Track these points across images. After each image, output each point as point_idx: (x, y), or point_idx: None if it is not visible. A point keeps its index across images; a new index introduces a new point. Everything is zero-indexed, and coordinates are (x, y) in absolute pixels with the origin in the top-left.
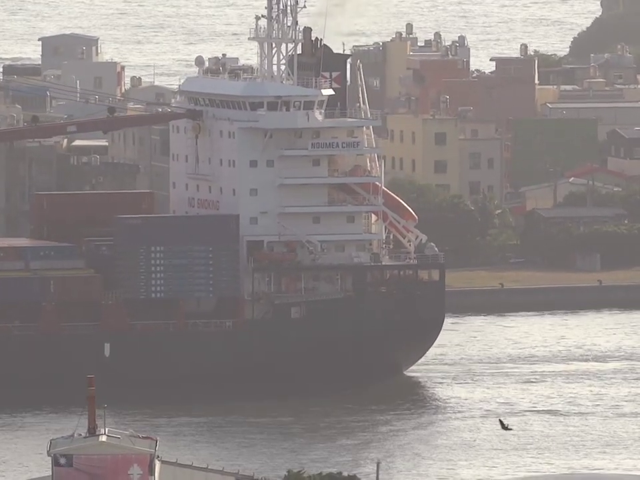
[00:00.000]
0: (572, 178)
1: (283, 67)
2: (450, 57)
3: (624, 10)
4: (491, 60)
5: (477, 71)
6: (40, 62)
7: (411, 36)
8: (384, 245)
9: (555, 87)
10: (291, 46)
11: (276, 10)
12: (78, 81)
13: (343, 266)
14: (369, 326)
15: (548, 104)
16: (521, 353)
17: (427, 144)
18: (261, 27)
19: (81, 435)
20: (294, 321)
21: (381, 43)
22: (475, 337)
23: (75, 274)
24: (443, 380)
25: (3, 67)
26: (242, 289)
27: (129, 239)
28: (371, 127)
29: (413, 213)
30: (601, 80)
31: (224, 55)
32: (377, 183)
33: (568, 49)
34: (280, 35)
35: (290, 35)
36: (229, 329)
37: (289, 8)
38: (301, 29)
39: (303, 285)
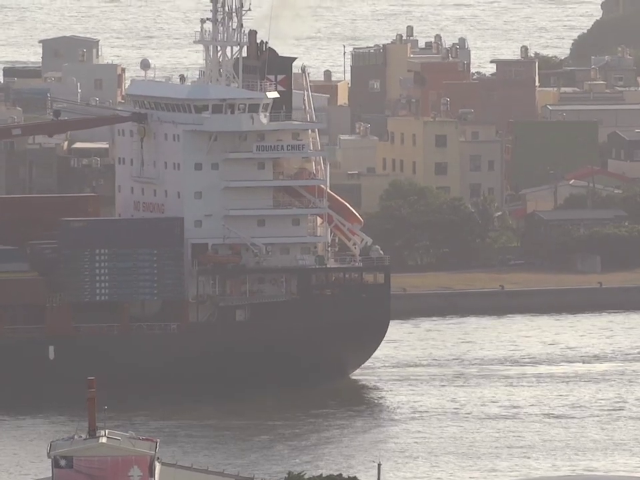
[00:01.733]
0: (572, 180)
1: (228, 70)
2: (450, 59)
3: (624, 12)
4: (491, 62)
5: (478, 73)
6: (40, 64)
7: (411, 38)
8: (329, 248)
9: (556, 89)
10: (236, 49)
11: (221, 13)
12: (79, 83)
13: (288, 268)
14: (314, 328)
15: (548, 106)
16: (510, 354)
17: (427, 146)
18: (206, 30)
19: (81, 436)
20: (239, 324)
21: (381, 45)
22: (462, 339)
23: (19, 277)
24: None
25: (4, 69)
26: (186, 292)
27: (74, 241)
28: (316, 129)
29: (359, 216)
30: (602, 82)
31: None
32: (322, 186)
33: (568, 51)
34: (225, 37)
35: (235, 37)
36: (174, 331)
37: (234, 11)
38: (246, 31)
39: (248, 287)
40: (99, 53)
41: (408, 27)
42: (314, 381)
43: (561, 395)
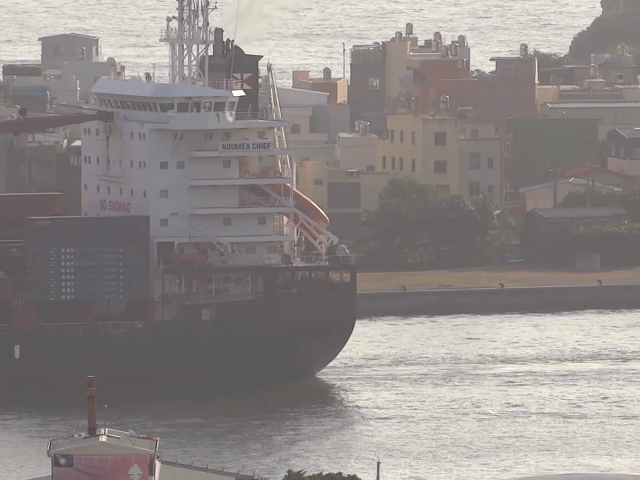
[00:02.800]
0: (572, 178)
1: (194, 69)
2: (450, 56)
3: (624, 10)
4: (491, 60)
5: (477, 70)
6: (40, 62)
7: (410, 36)
8: (295, 247)
9: (555, 86)
10: (202, 47)
11: (187, 11)
12: (78, 81)
13: (254, 267)
14: (280, 327)
15: (548, 104)
16: (509, 353)
17: (426, 144)
18: (172, 29)
19: (81, 435)
20: (204, 323)
21: (380, 43)
22: (462, 337)
23: None
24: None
25: (3, 67)
26: (152, 291)
27: (39, 240)
28: (282, 128)
29: (325, 215)
30: (601, 80)
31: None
32: (288, 185)
33: (568, 49)
34: (191, 36)
35: (201, 36)
36: (139, 330)
37: (199, 9)
38: (212, 30)
39: (214, 286)
40: (99, 51)
41: (407, 24)
42: (279, 380)
43: (560, 394)
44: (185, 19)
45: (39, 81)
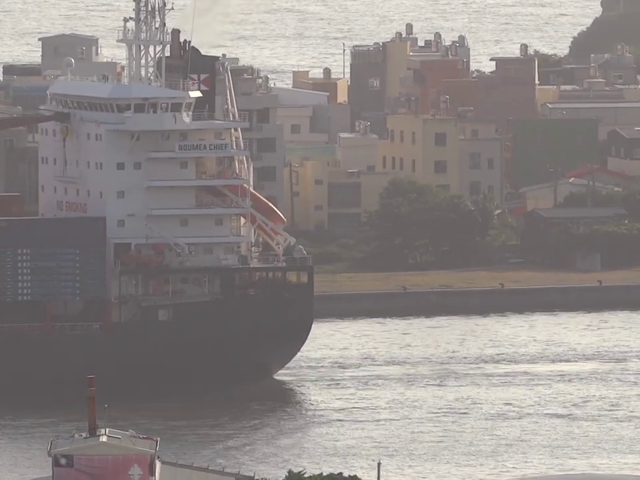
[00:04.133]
0: (572, 178)
1: (150, 69)
2: (450, 57)
3: (624, 10)
4: (491, 60)
5: (477, 71)
6: (40, 62)
7: (410, 36)
8: (252, 248)
9: (555, 87)
10: (158, 48)
11: (144, 12)
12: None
13: (211, 268)
14: (237, 328)
15: (548, 104)
16: (509, 353)
17: (427, 144)
18: (129, 29)
19: (81, 435)
20: (161, 324)
21: (381, 44)
22: (464, 337)
23: None
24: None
25: (3, 67)
26: (109, 292)
27: None
28: (239, 128)
29: (282, 216)
30: (601, 80)
31: (223, 54)
32: (245, 185)
33: (568, 49)
34: (148, 37)
35: (158, 37)
36: (96, 331)
37: (156, 10)
38: (169, 31)
39: (171, 287)
40: (98, 51)
41: (407, 24)
42: (237, 381)
43: (560, 394)
44: (141, 19)
45: (39, 81)
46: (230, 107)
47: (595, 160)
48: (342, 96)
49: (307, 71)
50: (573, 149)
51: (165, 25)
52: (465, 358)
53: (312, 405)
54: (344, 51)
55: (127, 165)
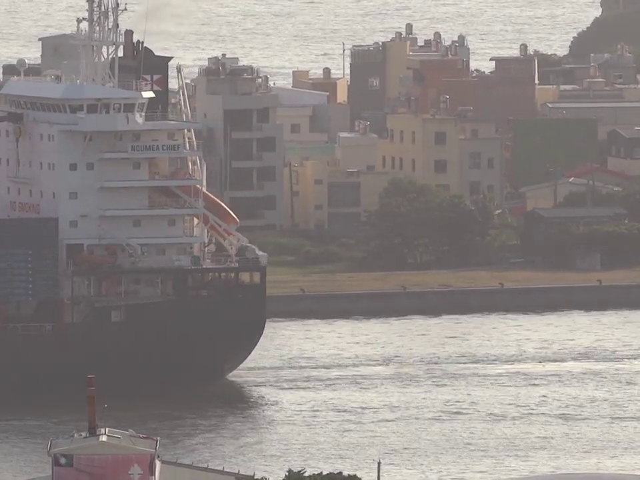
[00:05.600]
0: (572, 178)
1: (104, 70)
2: (450, 56)
3: (624, 10)
4: (490, 60)
5: (477, 70)
6: (40, 62)
7: (410, 36)
8: (205, 248)
9: (555, 86)
10: (112, 48)
11: (97, 12)
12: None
13: (164, 269)
14: (190, 329)
15: (548, 104)
16: (509, 352)
17: (426, 144)
18: (82, 30)
19: (81, 434)
20: (114, 325)
21: (380, 43)
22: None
23: None
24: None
25: (3, 67)
26: (62, 293)
27: None
28: (192, 129)
29: (235, 216)
30: (601, 80)
31: (223, 54)
32: (198, 186)
33: (568, 49)
34: (101, 37)
35: (111, 37)
36: (49, 332)
37: (110, 10)
38: (123, 31)
39: (124, 288)
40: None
41: (407, 24)
42: (190, 381)
43: (560, 394)
44: (95, 20)
45: None
46: (183, 107)
47: (595, 160)
48: (342, 96)
49: (307, 71)
50: (573, 148)
51: (118, 25)
52: (465, 358)
53: (311, 404)
54: (344, 50)
55: (80, 166)
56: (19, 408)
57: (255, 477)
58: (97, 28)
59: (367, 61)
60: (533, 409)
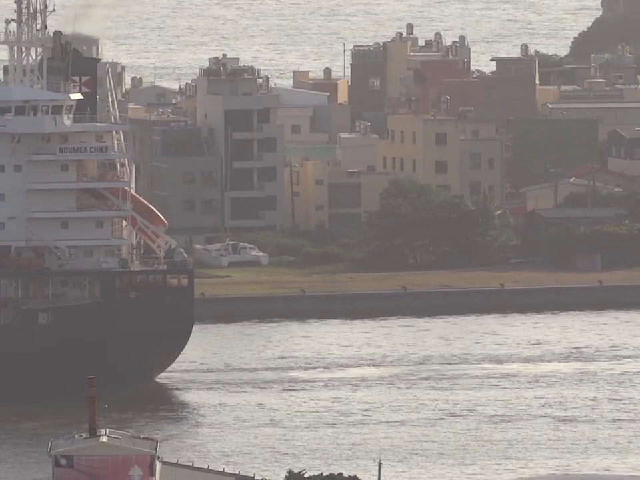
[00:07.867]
0: (572, 178)
1: (32, 71)
2: (450, 57)
3: (624, 10)
4: (491, 60)
5: (478, 71)
6: None
7: (411, 36)
8: (133, 251)
9: (556, 87)
10: (40, 50)
11: (25, 13)
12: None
13: (91, 271)
14: (117, 332)
15: (548, 104)
16: (509, 353)
17: (427, 144)
18: (10, 31)
19: (81, 435)
20: (41, 327)
21: (381, 43)
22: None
23: None
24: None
25: (3, 67)
26: None
27: None
28: (120, 131)
29: (163, 219)
30: (602, 80)
31: (224, 55)
32: (126, 188)
33: (568, 49)
34: (29, 38)
35: (39, 38)
36: None
37: (38, 11)
38: (51, 32)
39: (51, 290)
40: (99, 51)
41: (408, 24)
42: (118, 384)
43: (560, 394)
44: (23, 21)
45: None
46: (112, 109)
47: (595, 160)
48: (342, 96)
49: (308, 71)
50: (573, 149)
51: (46, 26)
52: (465, 358)
53: (309, 405)
54: (344, 50)
55: (8, 168)
56: (18, 408)
57: (255, 478)
58: (25, 29)
59: (367, 61)
60: (533, 410)
